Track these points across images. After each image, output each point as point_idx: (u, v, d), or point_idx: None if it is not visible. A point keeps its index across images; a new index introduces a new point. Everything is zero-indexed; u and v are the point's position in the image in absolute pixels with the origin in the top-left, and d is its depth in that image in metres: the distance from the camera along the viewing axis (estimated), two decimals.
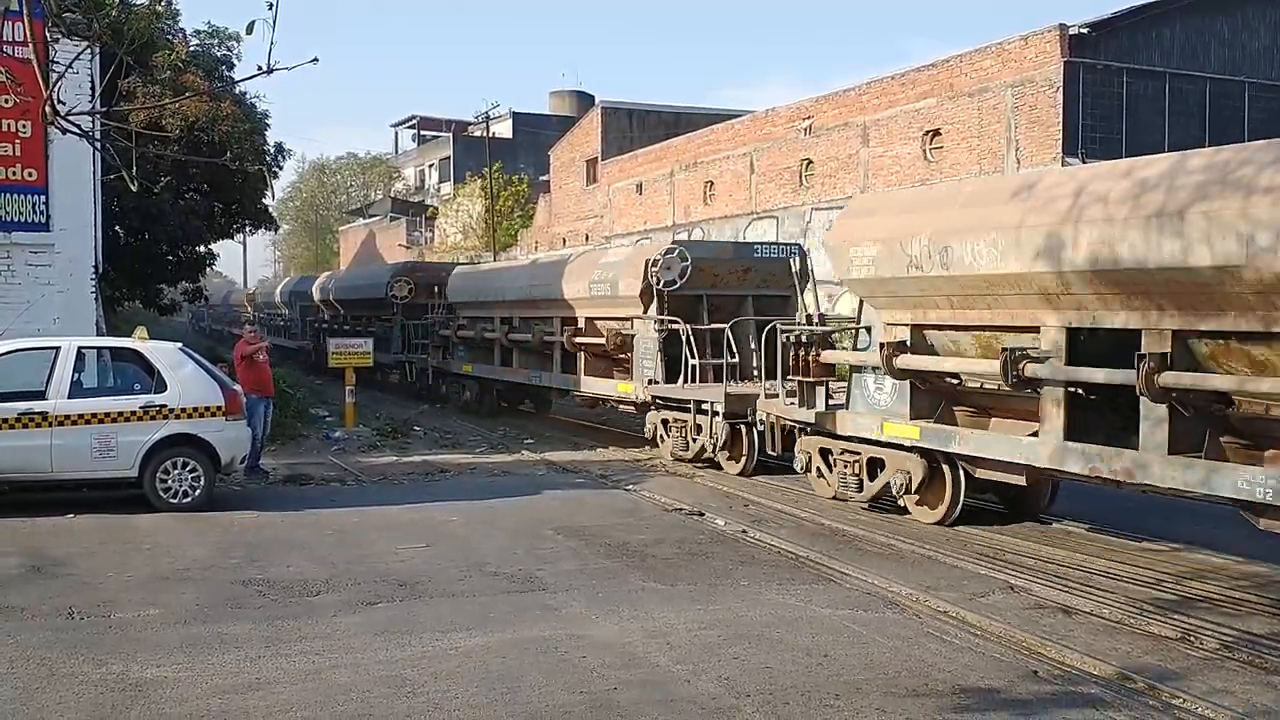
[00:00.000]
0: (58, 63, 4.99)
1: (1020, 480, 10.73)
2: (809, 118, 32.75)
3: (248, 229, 33.51)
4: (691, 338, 15.90)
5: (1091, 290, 9.14)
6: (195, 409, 12.31)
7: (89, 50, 12.88)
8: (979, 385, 10.89)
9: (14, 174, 15.61)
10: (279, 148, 30.05)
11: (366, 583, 9.02)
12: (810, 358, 12.65)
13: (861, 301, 12.34)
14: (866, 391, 12.01)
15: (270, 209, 33.39)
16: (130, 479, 12.21)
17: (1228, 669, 7.05)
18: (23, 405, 11.83)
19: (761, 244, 17.82)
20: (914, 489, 11.45)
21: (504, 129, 65.76)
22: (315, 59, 4.50)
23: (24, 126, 15.41)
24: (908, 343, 11.17)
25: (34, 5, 9.67)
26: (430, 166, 75.59)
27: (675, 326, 16.07)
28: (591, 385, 18.67)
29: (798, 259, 15.35)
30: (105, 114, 5.35)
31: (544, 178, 54.68)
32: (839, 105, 31.72)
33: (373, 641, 7.39)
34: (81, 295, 16.21)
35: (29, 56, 5.49)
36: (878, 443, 11.79)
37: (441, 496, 13.47)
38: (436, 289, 25.83)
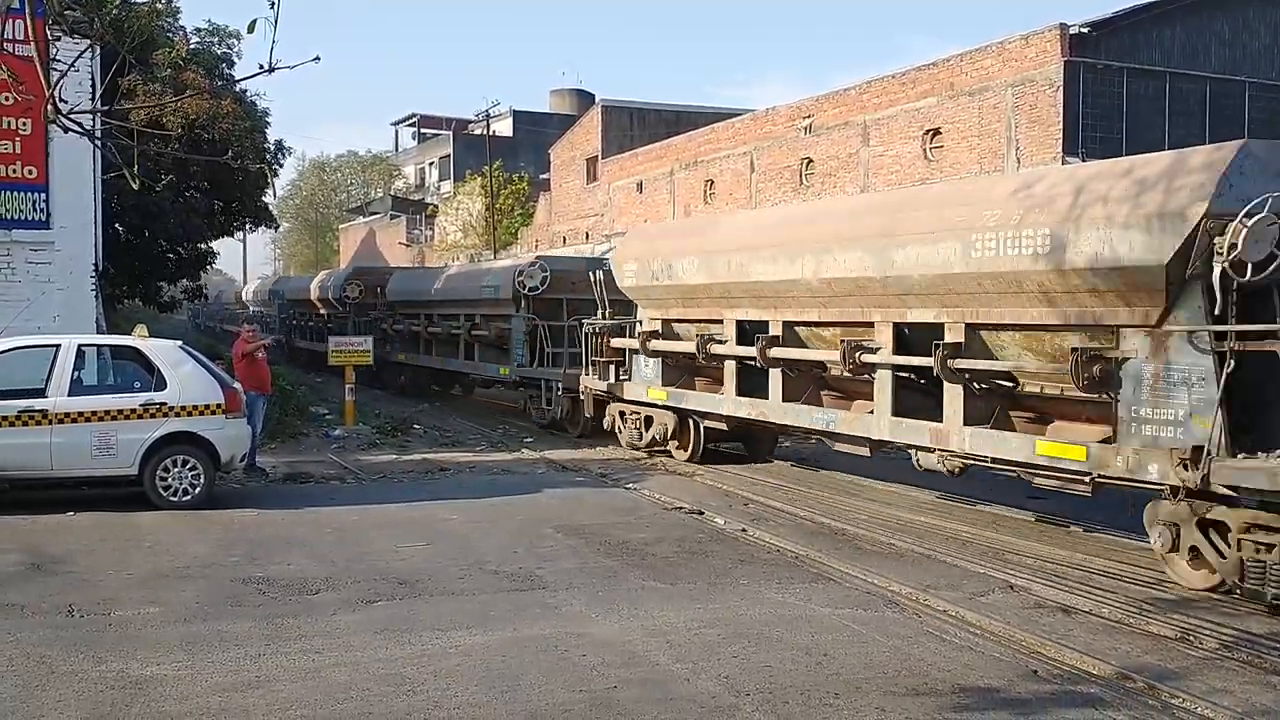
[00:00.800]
0: (59, 61, 4.99)
1: (723, 426, 15.35)
2: (809, 117, 32.74)
3: (248, 227, 33.52)
4: (547, 331, 20.11)
5: (743, 295, 13.85)
6: (195, 407, 12.32)
7: (90, 49, 12.87)
8: (701, 360, 14.94)
9: (14, 171, 15.61)
10: (279, 145, 30.10)
11: (366, 581, 9.03)
12: (604, 344, 17.27)
13: (634, 302, 16.91)
14: (639, 367, 16.57)
15: (270, 207, 33.42)
16: (130, 477, 12.22)
17: (1227, 668, 7.06)
18: (23, 403, 11.84)
19: (608, 258, 20.35)
20: (670, 436, 16.05)
21: (504, 127, 65.76)
22: (317, 58, 4.50)
23: (24, 124, 15.42)
24: (658, 331, 16.04)
25: (36, 3, 9.67)
26: (430, 165, 75.58)
27: (535, 323, 20.28)
28: (482, 369, 22.98)
29: (598, 271, 18.33)
30: (106, 113, 5.35)
31: (544, 176, 54.67)
32: (839, 104, 31.71)
33: (372, 640, 7.40)
34: (81, 293, 16.22)
35: (30, 54, 5.48)
36: (648, 404, 16.40)
37: (441, 495, 13.48)
38: (379, 289, 29.30)
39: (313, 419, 20.87)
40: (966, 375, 10.57)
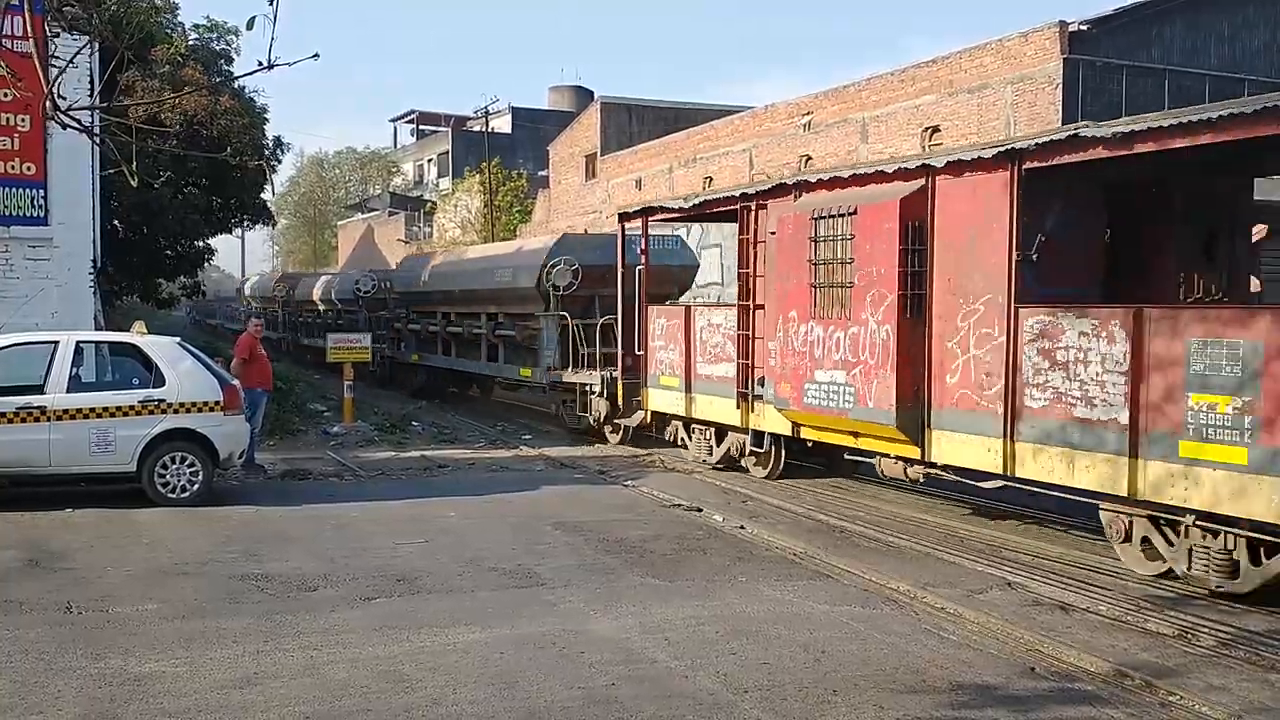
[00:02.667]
0: (58, 58, 4.99)
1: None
2: (808, 114, 32.73)
3: (246, 223, 33.48)
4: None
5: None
6: (194, 404, 12.31)
7: (89, 45, 12.87)
8: (426, 334, 25.79)
9: (13, 168, 15.59)
10: (277, 142, 30.06)
11: (365, 578, 9.03)
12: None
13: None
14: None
15: (269, 204, 33.39)
16: (129, 473, 12.21)
17: (1225, 666, 7.06)
18: (21, 399, 11.83)
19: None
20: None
21: (503, 124, 65.73)
22: (316, 55, 4.50)
23: (23, 120, 15.40)
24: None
25: (35, 0, 9.68)
26: (429, 161, 75.56)
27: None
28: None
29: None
30: (105, 109, 5.35)
31: (543, 173, 54.65)
32: (838, 101, 31.69)
33: (371, 637, 7.40)
34: (80, 289, 16.20)
35: (29, 51, 5.48)
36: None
37: (440, 492, 13.48)
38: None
39: (311, 416, 20.88)
40: (498, 337, 21.69)
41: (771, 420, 13.49)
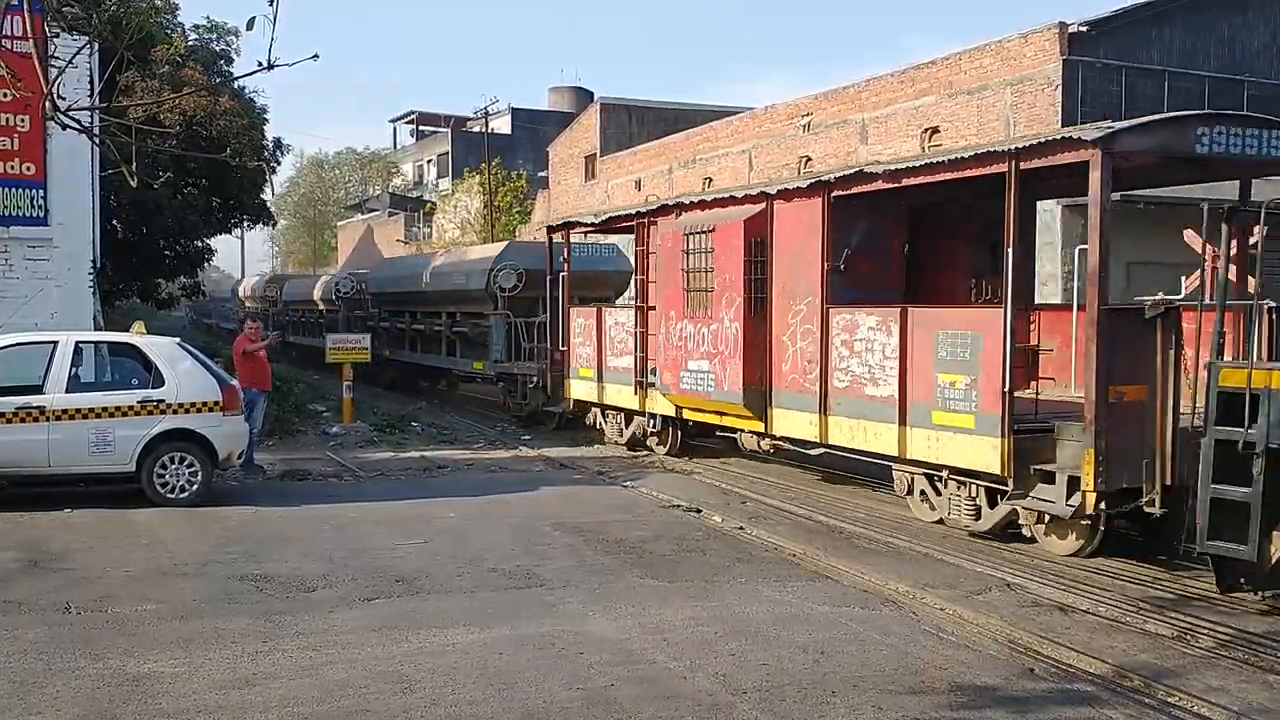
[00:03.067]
0: (58, 58, 4.99)
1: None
2: (808, 115, 32.74)
3: (245, 224, 33.47)
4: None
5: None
6: (193, 404, 12.31)
7: (89, 45, 12.87)
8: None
9: (12, 168, 15.59)
10: (277, 143, 30.03)
11: (364, 578, 9.02)
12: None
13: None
14: None
15: (268, 204, 33.39)
16: (128, 474, 12.21)
17: (1224, 667, 7.07)
18: (20, 400, 11.83)
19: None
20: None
21: (503, 125, 65.74)
22: (315, 55, 4.49)
23: (22, 121, 15.40)
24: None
25: (34, 0, 9.68)
26: (429, 162, 75.57)
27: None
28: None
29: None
30: (105, 109, 5.35)
31: (543, 174, 54.65)
32: (838, 102, 31.69)
33: (370, 637, 7.40)
34: (79, 290, 16.20)
35: (28, 51, 5.48)
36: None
37: (439, 492, 13.48)
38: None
39: (310, 416, 20.87)
40: (455, 334, 24.07)
41: (660, 404, 15.80)
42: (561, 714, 6.05)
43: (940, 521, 11.19)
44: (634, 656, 7.05)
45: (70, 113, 4.66)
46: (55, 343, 12.29)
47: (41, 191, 15.76)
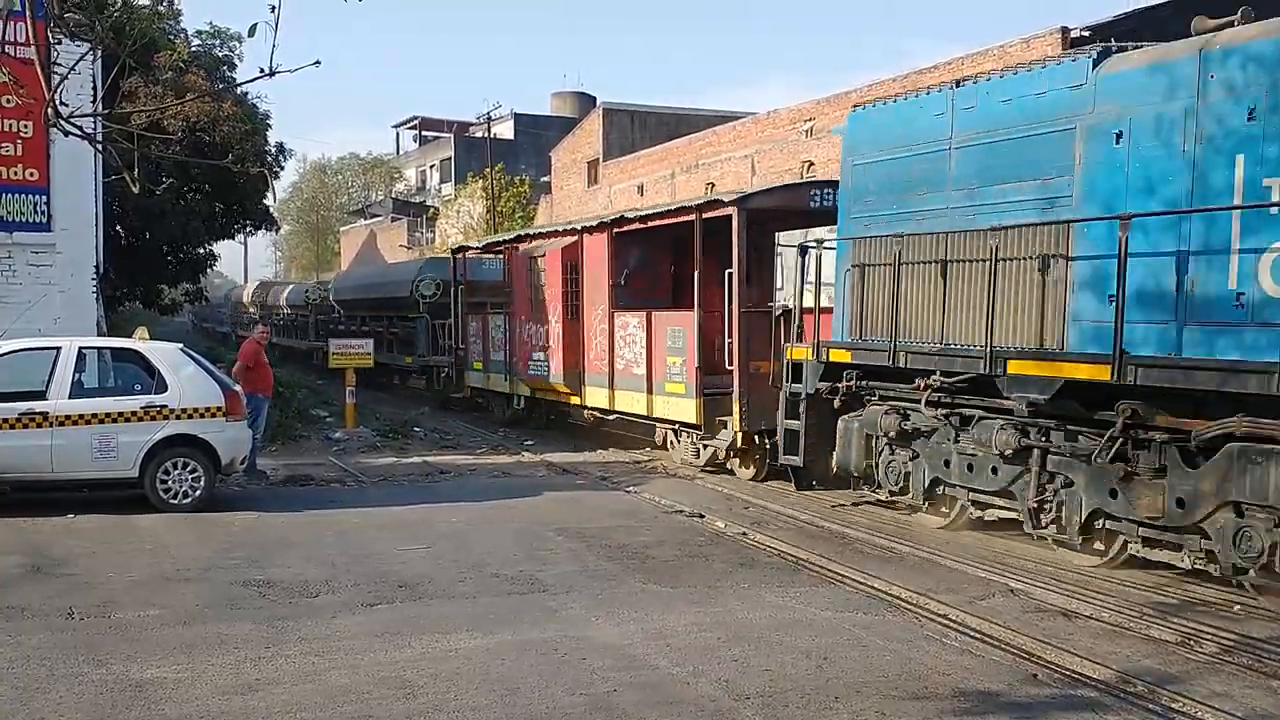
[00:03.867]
0: (60, 64, 5.00)
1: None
2: (810, 119, 32.73)
3: (248, 229, 33.55)
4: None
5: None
6: (196, 409, 12.32)
7: (92, 51, 12.90)
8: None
9: (15, 174, 15.63)
10: (280, 148, 30.10)
11: (367, 584, 9.02)
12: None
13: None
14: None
15: (271, 210, 33.45)
16: (130, 479, 12.21)
17: (1227, 673, 7.05)
18: (23, 405, 11.84)
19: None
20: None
21: (505, 130, 65.74)
22: (318, 62, 4.51)
23: (25, 127, 15.43)
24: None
25: (37, 6, 9.67)
26: (431, 167, 75.57)
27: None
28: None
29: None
30: (108, 116, 5.36)
31: (545, 179, 54.66)
32: (841, 107, 31.64)
33: (373, 643, 7.40)
34: (82, 295, 16.23)
35: (30, 57, 5.49)
36: None
37: (442, 498, 13.48)
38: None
39: (313, 422, 20.88)
40: (391, 333, 28.72)
41: (521, 388, 20.48)
42: (564, 719, 6.04)
43: (690, 466, 15.95)
44: (637, 662, 7.05)
45: (73, 119, 4.67)
46: (58, 348, 12.30)
47: (45, 197, 15.78)
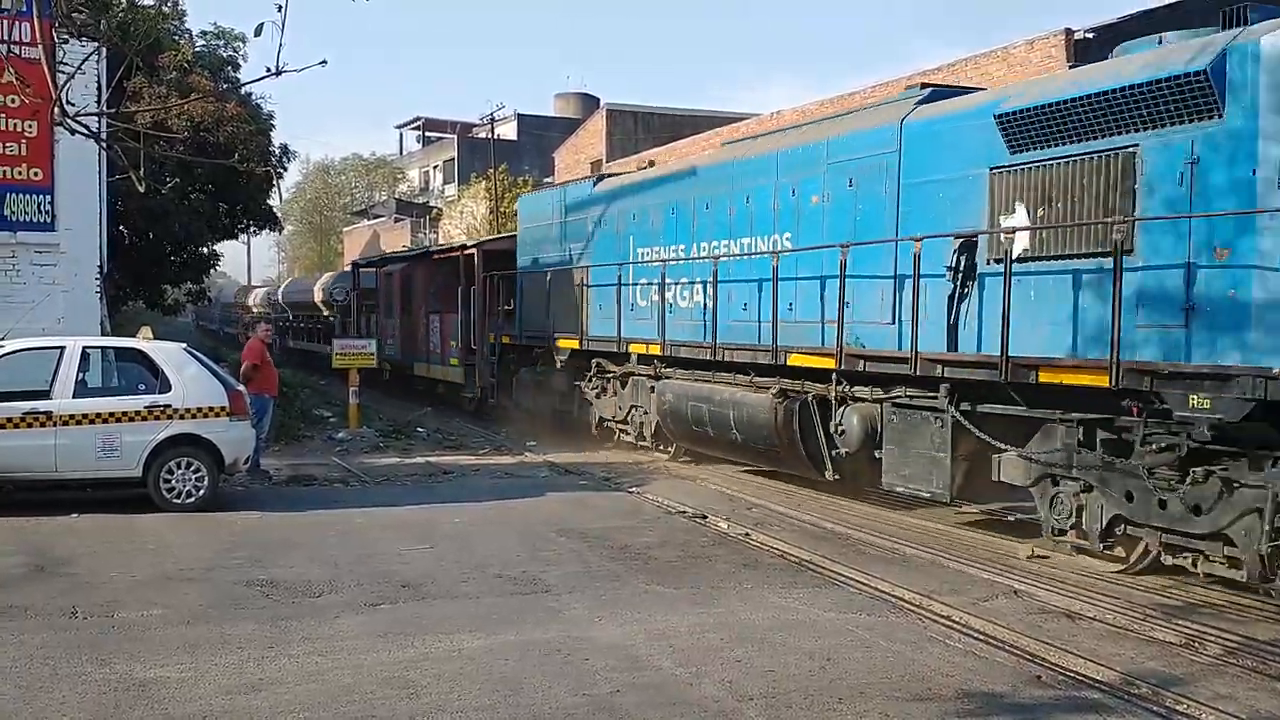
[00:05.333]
0: (66, 64, 5.01)
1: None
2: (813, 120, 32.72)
3: (252, 230, 33.56)
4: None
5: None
6: (199, 409, 12.32)
7: (97, 51, 12.92)
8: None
9: (19, 174, 15.62)
10: (284, 149, 30.06)
11: (370, 584, 9.02)
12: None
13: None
14: None
15: (276, 210, 33.45)
16: (134, 479, 12.22)
17: (1231, 674, 7.05)
18: (27, 404, 11.85)
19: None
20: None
21: (509, 131, 65.74)
22: (324, 61, 4.51)
23: (30, 126, 15.43)
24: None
25: (43, 6, 9.67)
26: (434, 168, 75.57)
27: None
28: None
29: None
30: (113, 115, 5.36)
31: (548, 179, 54.68)
32: (843, 108, 31.64)
33: (376, 643, 7.39)
34: (86, 295, 16.22)
35: (37, 57, 5.49)
36: None
37: (445, 498, 13.48)
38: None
39: (316, 422, 20.89)
40: (317, 329, 38.93)
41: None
42: (567, 719, 6.04)
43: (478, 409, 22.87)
44: (640, 663, 7.04)
45: (79, 118, 4.67)
46: (62, 348, 12.30)
47: (49, 197, 15.78)
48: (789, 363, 12.92)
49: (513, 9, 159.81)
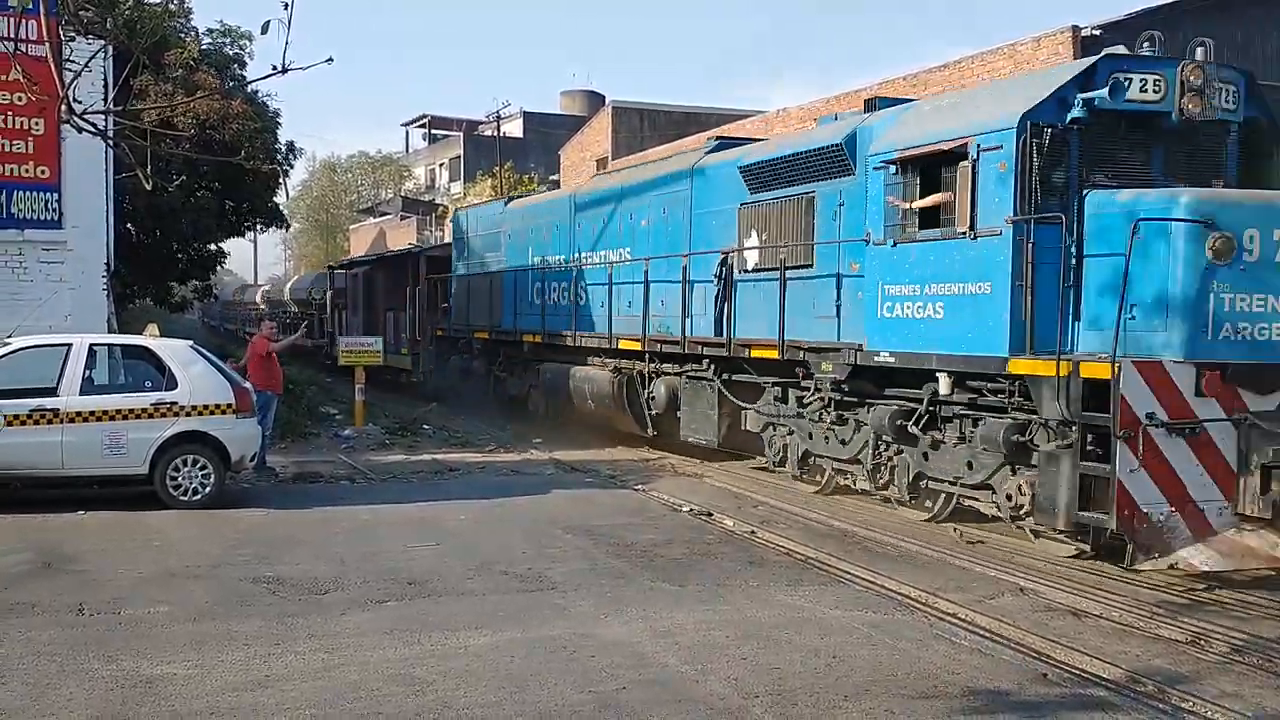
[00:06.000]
0: (73, 61, 5.01)
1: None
2: (819, 118, 32.68)
3: (259, 227, 33.59)
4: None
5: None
6: (206, 406, 12.34)
7: (104, 49, 12.93)
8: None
9: (27, 171, 15.64)
10: (290, 146, 30.09)
11: (376, 581, 9.04)
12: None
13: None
14: None
15: (282, 208, 33.50)
16: (141, 476, 12.25)
17: (1237, 672, 7.04)
18: (34, 402, 11.88)
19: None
20: None
21: (515, 128, 65.79)
22: (330, 59, 4.52)
23: (37, 124, 15.45)
24: None
25: (50, 3, 9.68)
26: (441, 166, 75.61)
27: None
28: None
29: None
30: (120, 113, 5.37)
31: (554, 177, 54.66)
32: (850, 105, 31.54)
33: (382, 640, 7.41)
34: (93, 292, 16.24)
35: (42, 54, 5.50)
36: None
37: (451, 495, 13.50)
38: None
39: (323, 419, 20.91)
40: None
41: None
42: (573, 717, 6.04)
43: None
44: (645, 660, 7.05)
45: (85, 116, 4.68)
46: (69, 345, 12.33)
47: (56, 195, 15.80)
48: (620, 347, 17.04)
49: (520, 7, 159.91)
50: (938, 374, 10.85)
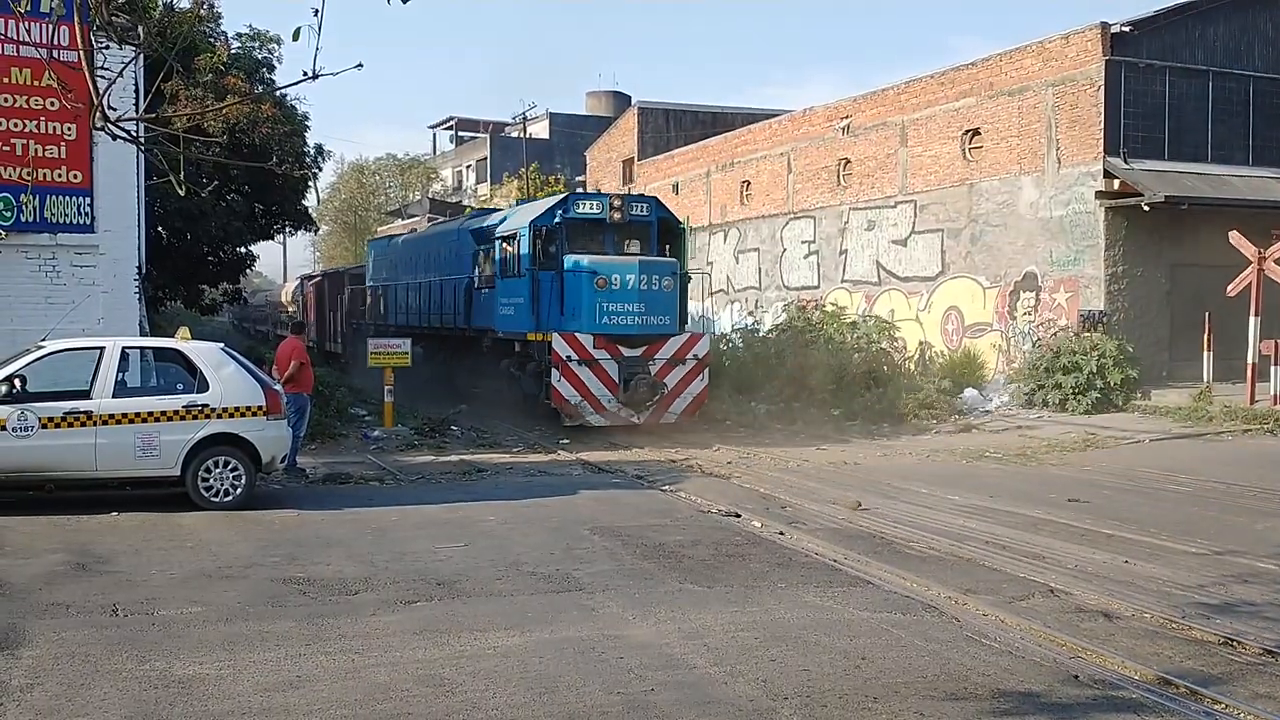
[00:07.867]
0: (106, 69, 5.07)
1: None
2: (847, 117, 32.60)
3: (288, 230, 33.89)
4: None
5: None
6: (237, 408, 12.43)
7: (136, 56, 13.03)
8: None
9: (59, 176, 15.81)
10: (319, 149, 30.35)
11: (405, 581, 9.09)
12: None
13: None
14: None
15: (310, 210, 33.79)
16: (173, 478, 12.36)
17: (1270, 674, 6.97)
18: (68, 404, 12.00)
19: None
20: None
21: (541, 130, 65.98)
22: (360, 65, 4.55)
23: (69, 129, 15.61)
24: None
25: (83, 13, 9.77)
26: (468, 167, 75.90)
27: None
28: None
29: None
30: (152, 119, 5.42)
31: (580, 178, 54.76)
32: (877, 104, 31.52)
33: (411, 640, 7.45)
34: (125, 296, 16.40)
35: (74, 60, 5.56)
36: None
37: (479, 496, 13.54)
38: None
39: (352, 420, 21.02)
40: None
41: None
42: (601, 718, 6.06)
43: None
44: (674, 661, 7.06)
45: (119, 123, 4.73)
46: (102, 348, 12.45)
47: (88, 199, 15.96)
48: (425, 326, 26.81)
49: (547, 8, 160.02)
50: (514, 341, 21.25)
